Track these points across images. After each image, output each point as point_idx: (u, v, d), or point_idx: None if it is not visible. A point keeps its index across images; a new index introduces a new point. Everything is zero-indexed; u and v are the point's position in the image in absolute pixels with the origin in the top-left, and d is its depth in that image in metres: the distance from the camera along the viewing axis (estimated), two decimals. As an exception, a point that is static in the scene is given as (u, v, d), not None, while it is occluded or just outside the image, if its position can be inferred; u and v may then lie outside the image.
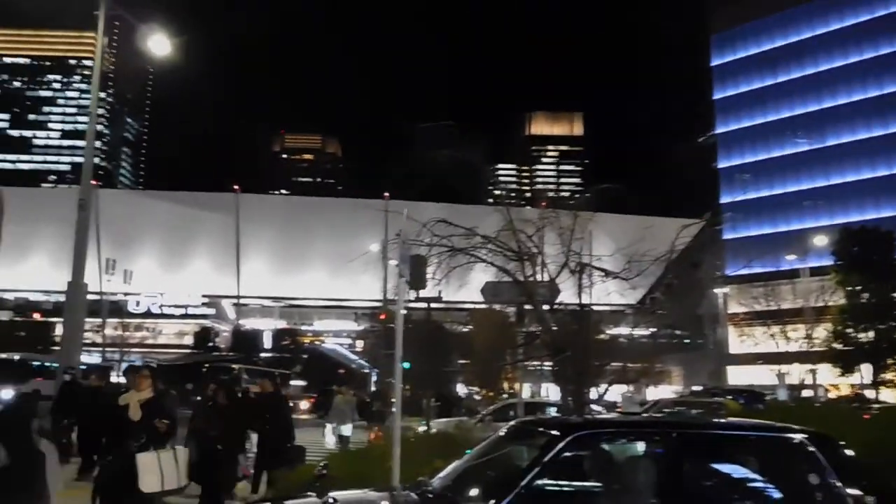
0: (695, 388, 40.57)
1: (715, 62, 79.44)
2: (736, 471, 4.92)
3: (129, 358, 58.96)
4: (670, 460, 4.57)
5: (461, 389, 42.12)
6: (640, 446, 4.97)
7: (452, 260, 11.19)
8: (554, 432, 4.69)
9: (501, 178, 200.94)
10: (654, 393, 30.64)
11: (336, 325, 75.28)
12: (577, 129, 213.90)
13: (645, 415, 13.55)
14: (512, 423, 6.12)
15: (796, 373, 38.40)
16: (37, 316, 64.94)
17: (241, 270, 74.42)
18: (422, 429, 16.18)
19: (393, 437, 6.99)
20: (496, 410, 20.01)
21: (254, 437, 11.28)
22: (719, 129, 78.78)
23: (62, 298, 18.55)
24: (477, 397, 38.28)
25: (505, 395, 33.32)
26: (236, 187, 75.61)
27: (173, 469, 7.23)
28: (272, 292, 75.16)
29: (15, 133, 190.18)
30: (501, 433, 5.59)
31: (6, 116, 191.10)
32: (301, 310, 76.62)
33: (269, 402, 11.12)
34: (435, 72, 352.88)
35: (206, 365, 44.58)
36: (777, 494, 4.64)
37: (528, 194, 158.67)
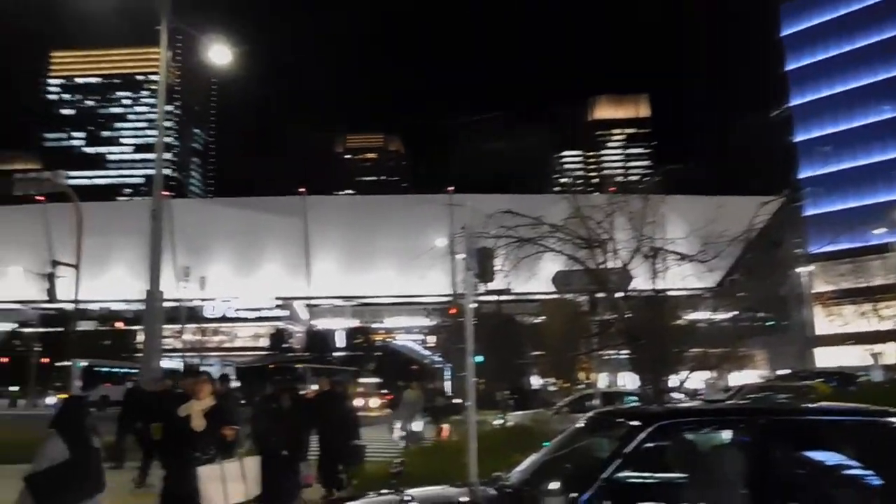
0: (781, 371, 39.19)
1: (786, 32, 76.41)
2: (830, 458, 4.69)
3: (207, 361, 61.22)
4: (758, 449, 4.38)
5: (535, 381, 41.90)
6: (726, 435, 4.79)
7: (520, 250, 11.08)
8: (634, 423, 4.57)
9: (567, 166, 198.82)
10: (737, 378, 29.71)
11: (407, 322, 76.03)
12: (643, 111, 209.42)
13: (729, 401, 13.16)
14: (590, 414, 6.01)
15: (891, 352, 36.69)
16: (119, 324, 67.83)
17: (312, 271, 75.96)
18: (497, 422, 16.13)
19: (469, 432, 6.97)
20: (573, 401, 19.80)
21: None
22: (794, 101, 75.77)
23: (142, 307, 19.23)
24: (552, 389, 38.04)
25: (581, 386, 33.02)
26: (302, 190, 77.16)
27: (239, 480, 6.80)
28: (343, 292, 76.47)
29: (91, 150, 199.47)
30: (580, 425, 5.49)
31: (82, 135, 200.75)
32: (372, 308, 77.71)
33: (325, 401, 10.85)
34: (493, 62, 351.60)
35: (272, 365, 45.70)
36: (877, 482, 4.40)
37: (596, 180, 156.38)
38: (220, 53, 17.17)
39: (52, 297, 24.12)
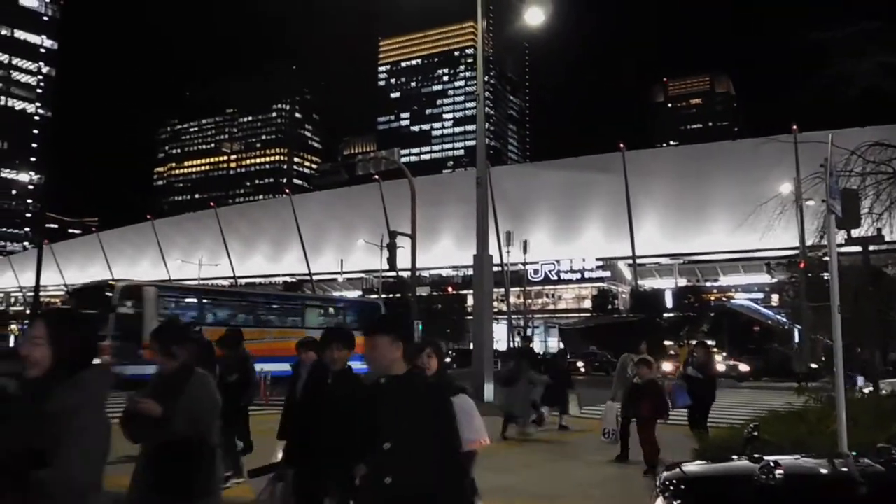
0: None
1: None
2: None
3: (532, 324, 64.21)
4: None
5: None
6: None
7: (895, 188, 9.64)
8: None
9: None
10: None
11: (744, 280, 71.54)
12: None
13: None
14: None
15: None
16: (450, 289, 74.02)
17: (635, 230, 75.04)
18: (867, 389, 14.42)
19: (837, 398, 6.31)
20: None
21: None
22: None
23: (470, 272, 20.65)
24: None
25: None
26: (621, 145, 76.27)
27: None
28: (668, 249, 74.41)
29: (416, 128, 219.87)
30: None
31: (407, 115, 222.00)
32: (702, 265, 74.49)
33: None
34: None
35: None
36: None
37: None
38: (533, 15, 17.50)
39: (391, 265, 27.01)
